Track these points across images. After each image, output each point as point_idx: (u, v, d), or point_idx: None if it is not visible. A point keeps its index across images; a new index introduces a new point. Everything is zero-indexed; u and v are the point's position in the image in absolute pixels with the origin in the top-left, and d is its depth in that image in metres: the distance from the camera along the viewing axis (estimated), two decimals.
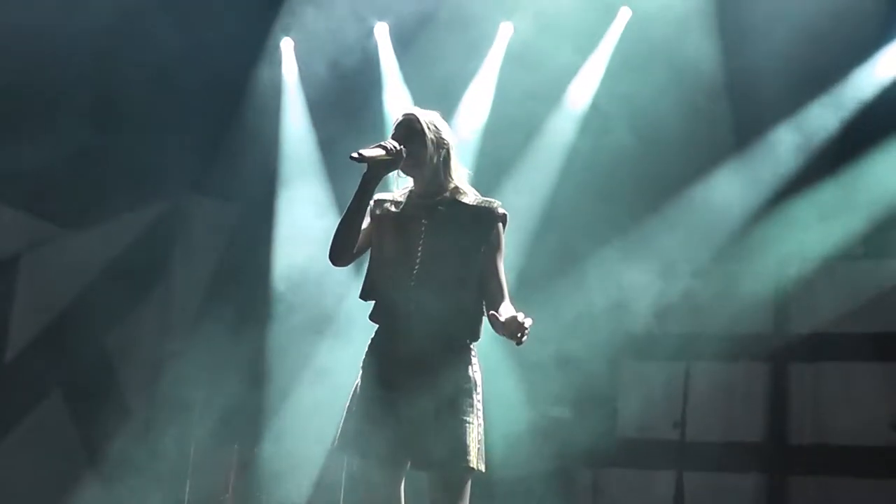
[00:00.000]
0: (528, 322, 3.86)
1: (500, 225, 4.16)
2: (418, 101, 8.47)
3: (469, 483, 4.03)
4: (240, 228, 8.94)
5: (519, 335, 3.86)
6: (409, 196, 4.21)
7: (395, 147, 4.00)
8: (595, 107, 8.27)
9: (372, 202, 4.16)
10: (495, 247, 4.16)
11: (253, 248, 8.76)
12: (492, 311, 4.04)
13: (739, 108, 8.12)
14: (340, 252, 4.14)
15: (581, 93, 8.35)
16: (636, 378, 8.70)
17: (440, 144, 4.14)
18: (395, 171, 4.11)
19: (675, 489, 7.74)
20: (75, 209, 8.29)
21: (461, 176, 4.24)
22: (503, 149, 8.35)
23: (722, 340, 8.15)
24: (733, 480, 8.34)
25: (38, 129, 7.73)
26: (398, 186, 4.24)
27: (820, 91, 7.88)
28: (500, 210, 4.17)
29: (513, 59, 8.26)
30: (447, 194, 4.18)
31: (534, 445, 7.95)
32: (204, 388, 8.08)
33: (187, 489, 7.87)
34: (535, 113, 8.35)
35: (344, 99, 8.61)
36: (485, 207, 4.16)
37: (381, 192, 4.16)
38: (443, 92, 8.25)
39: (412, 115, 4.15)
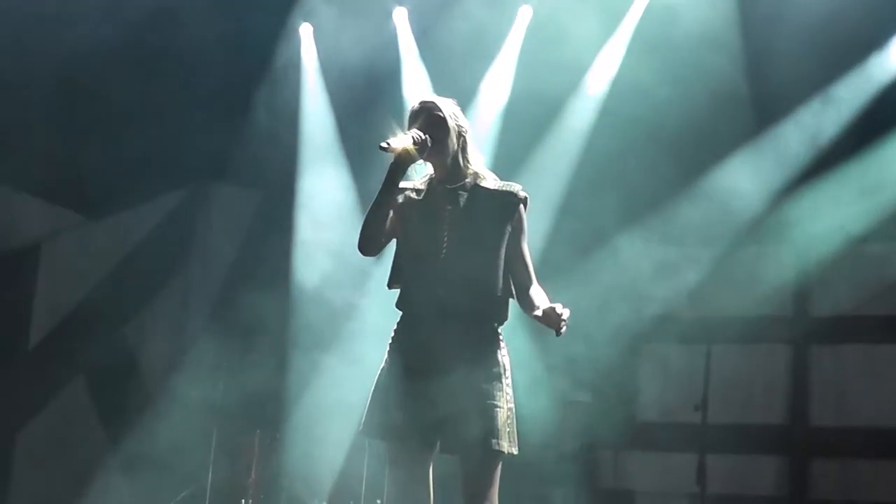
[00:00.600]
0: (565, 314, 3.94)
1: (522, 207, 4.22)
2: (437, 86, 8.51)
3: (499, 466, 4.06)
4: (260, 215, 8.99)
5: (557, 327, 3.95)
6: (430, 183, 4.25)
7: (420, 136, 4.05)
8: (614, 91, 8.26)
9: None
10: (519, 230, 4.22)
11: (273, 235, 8.78)
12: (535, 313, 4.09)
13: (760, 92, 8.10)
14: (370, 242, 4.18)
15: (600, 77, 8.35)
16: (657, 361, 8.75)
17: (460, 132, 4.20)
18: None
19: (696, 471, 7.69)
20: (96, 197, 8.34)
21: (478, 161, 4.30)
22: (522, 133, 8.35)
23: (743, 323, 8.17)
24: (755, 463, 8.40)
25: (57, 118, 7.82)
26: (417, 173, 4.27)
27: (842, 74, 7.87)
28: (522, 193, 4.23)
29: (532, 42, 8.25)
30: (468, 180, 4.24)
31: (555, 429, 7.98)
32: (225, 374, 8.07)
33: (210, 475, 7.84)
34: (555, 97, 8.34)
35: (363, 84, 8.62)
36: (506, 191, 4.23)
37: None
38: (461, 76, 8.29)
39: (433, 103, 4.20)
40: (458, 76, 8.30)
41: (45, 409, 8.21)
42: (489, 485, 4.07)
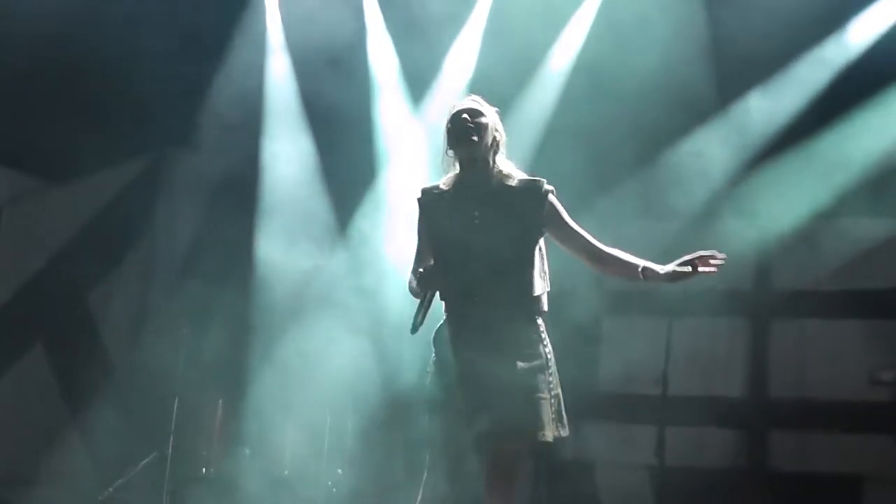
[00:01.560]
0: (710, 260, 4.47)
1: (551, 196, 4.44)
2: (402, 57, 8.52)
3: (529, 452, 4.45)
4: (223, 182, 8.92)
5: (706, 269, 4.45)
6: (456, 185, 4.47)
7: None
8: (579, 66, 8.30)
9: (420, 194, 4.51)
10: (557, 215, 4.45)
11: (236, 203, 8.78)
12: (654, 271, 4.43)
13: (724, 69, 8.13)
14: None
15: (565, 51, 8.39)
16: (619, 333, 8.85)
17: (495, 137, 4.46)
18: (447, 161, 4.48)
19: (655, 443, 7.78)
20: (59, 163, 8.34)
21: (508, 167, 4.51)
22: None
23: (704, 297, 8.20)
24: (714, 435, 8.48)
25: (21, 84, 7.77)
26: (445, 172, 4.53)
27: (803, 53, 7.96)
28: (547, 186, 4.44)
29: (498, 15, 8.25)
30: (494, 181, 4.46)
31: None
32: (187, 342, 8.08)
33: (171, 443, 7.86)
34: (520, 71, 8.37)
35: (328, 53, 8.60)
36: (530, 187, 4.44)
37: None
38: (427, 49, 8.34)
39: (477, 104, 4.47)
40: (423, 48, 8.34)
41: (5, 375, 8.19)
42: (521, 464, 4.39)
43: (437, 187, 4.52)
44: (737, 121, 8.22)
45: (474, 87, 8.29)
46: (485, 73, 8.29)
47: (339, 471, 8.03)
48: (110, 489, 7.83)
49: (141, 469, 7.93)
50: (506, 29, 8.12)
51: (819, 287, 8.36)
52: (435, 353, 4.48)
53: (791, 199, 7.97)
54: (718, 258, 4.47)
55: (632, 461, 8.50)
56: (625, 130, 8.03)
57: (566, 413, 4.42)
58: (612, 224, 8.23)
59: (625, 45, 7.78)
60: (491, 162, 4.45)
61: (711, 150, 8.20)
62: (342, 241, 8.64)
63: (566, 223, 4.47)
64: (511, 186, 4.44)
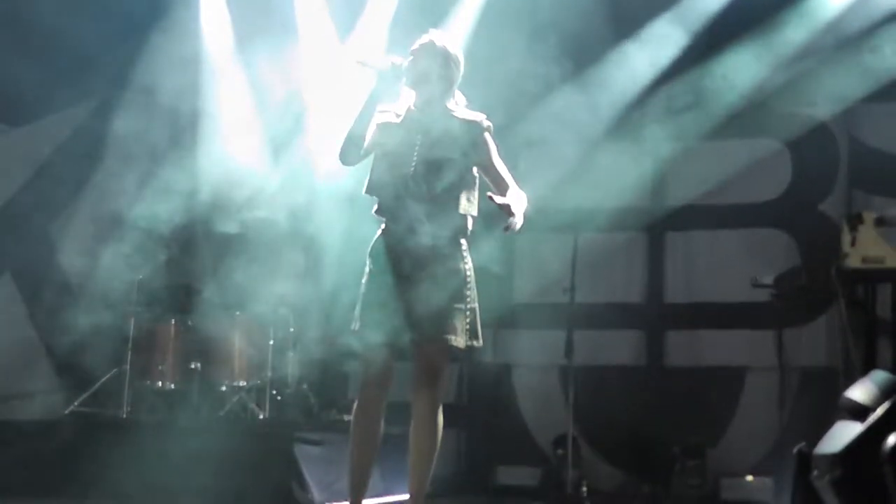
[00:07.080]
0: (512, 221, 4.53)
1: (487, 134, 4.76)
2: None
3: (449, 355, 4.70)
4: (167, 120, 8.97)
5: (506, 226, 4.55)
6: (408, 110, 4.78)
7: (395, 62, 4.61)
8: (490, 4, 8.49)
9: (378, 111, 4.70)
10: (488, 152, 4.77)
11: (178, 141, 8.95)
12: (489, 194, 4.60)
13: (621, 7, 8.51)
14: (349, 152, 4.66)
15: None
16: (531, 249, 9.15)
17: (446, 73, 4.74)
18: (402, 85, 4.66)
19: (565, 345, 8.10)
20: (17, 108, 8.54)
21: (458, 101, 4.83)
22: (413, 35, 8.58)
23: (606, 213, 8.56)
24: (617, 336, 8.92)
25: None
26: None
27: None
28: (486, 122, 4.77)
29: None
30: (439, 112, 4.76)
31: None
32: (142, 268, 8.36)
33: (129, 360, 8.18)
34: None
35: None
36: (472, 121, 4.75)
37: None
38: None
39: (432, 41, 4.73)
40: None
41: None
42: (444, 367, 4.72)
43: (392, 110, 4.72)
44: (635, 51, 8.37)
45: (397, 22, 8.47)
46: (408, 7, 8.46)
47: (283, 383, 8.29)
48: (76, 402, 8.10)
49: (103, 384, 8.20)
50: None
51: (706, 202, 8.71)
52: (369, 264, 4.70)
53: (683, 123, 8.32)
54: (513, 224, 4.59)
55: (544, 362, 8.91)
56: (533, 59, 8.09)
57: (480, 327, 4.73)
58: (519, 151, 8.60)
59: None
60: (439, 97, 4.69)
61: (612, 78, 8.35)
62: (276, 164, 8.71)
63: (493, 158, 4.75)
64: (454, 117, 4.68)
